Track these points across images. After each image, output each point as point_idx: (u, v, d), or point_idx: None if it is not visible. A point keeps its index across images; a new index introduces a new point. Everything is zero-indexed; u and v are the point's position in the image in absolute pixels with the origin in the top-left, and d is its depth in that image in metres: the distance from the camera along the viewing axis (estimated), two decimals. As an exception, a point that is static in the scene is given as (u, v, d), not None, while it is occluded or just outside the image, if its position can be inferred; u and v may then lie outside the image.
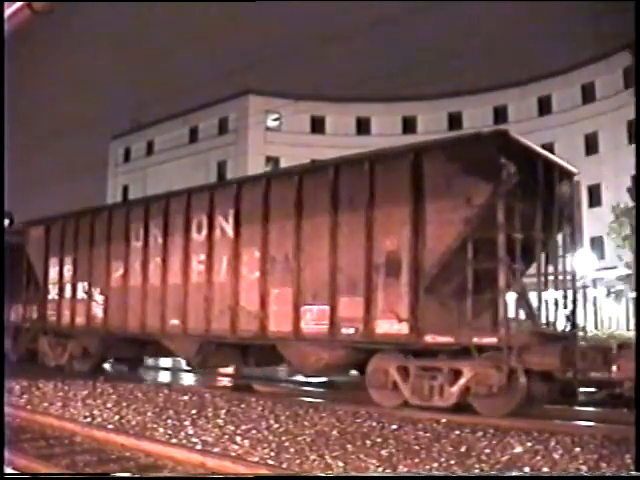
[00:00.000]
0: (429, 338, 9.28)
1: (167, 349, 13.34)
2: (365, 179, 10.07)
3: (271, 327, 10.96)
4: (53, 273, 15.88)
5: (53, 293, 15.81)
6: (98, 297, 14.54)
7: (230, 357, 12.75)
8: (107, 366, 16.39)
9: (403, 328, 9.42)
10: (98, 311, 14.46)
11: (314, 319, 10.34)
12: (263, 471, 5.58)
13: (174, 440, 7.26)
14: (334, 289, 10.14)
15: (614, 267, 31.19)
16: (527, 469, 6.02)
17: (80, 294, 15.05)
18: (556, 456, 6.52)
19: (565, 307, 10.00)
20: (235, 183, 12.48)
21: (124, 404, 10.02)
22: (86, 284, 14.87)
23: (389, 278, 9.65)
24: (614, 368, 9.15)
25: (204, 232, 12.29)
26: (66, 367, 15.41)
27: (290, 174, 11.38)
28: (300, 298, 10.53)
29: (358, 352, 10.30)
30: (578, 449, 6.80)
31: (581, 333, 10.41)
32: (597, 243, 34.67)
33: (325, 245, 10.35)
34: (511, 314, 9.28)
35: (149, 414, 9.10)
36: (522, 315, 9.79)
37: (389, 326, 9.57)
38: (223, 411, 9.37)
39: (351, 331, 9.89)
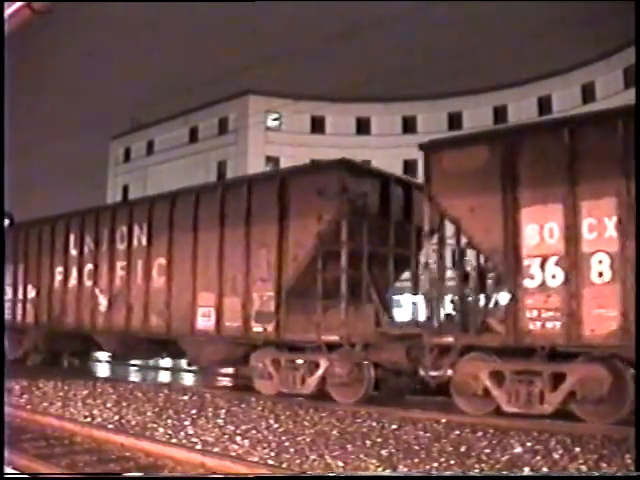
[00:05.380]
0: None
1: None
2: None
3: None
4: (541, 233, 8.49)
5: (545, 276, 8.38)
6: None
7: None
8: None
9: None
10: None
11: None
12: (263, 471, 5.58)
13: (174, 440, 7.26)
14: None
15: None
16: (527, 469, 6.02)
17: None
18: (556, 456, 6.53)
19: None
20: None
21: (124, 404, 10.02)
22: None
23: None
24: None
25: None
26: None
27: None
28: None
29: None
30: (578, 449, 6.80)
31: None
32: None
33: None
34: None
35: (149, 414, 9.11)
36: None
37: None
38: (223, 411, 9.37)
39: None
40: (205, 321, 11.83)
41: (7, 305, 17.09)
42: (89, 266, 14.68)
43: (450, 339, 9.14)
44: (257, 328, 11.02)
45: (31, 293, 16.56)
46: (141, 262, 13.29)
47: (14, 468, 5.69)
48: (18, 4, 6.48)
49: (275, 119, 45.88)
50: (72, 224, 15.43)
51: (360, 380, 10.09)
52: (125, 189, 51.58)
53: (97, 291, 14.28)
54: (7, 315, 16.97)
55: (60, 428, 7.95)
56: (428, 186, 9.63)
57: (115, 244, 13.98)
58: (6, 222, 19.52)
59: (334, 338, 10.25)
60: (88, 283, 14.63)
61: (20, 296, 16.97)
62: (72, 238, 15.30)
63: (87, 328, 14.49)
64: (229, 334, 11.50)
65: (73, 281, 15.09)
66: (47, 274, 15.94)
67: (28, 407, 9.69)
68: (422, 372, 9.65)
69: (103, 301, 14.11)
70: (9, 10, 6.50)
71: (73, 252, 15.22)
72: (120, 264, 13.81)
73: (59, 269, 15.57)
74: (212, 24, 48.49)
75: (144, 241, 13.31)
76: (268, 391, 10.98)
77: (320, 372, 10.43)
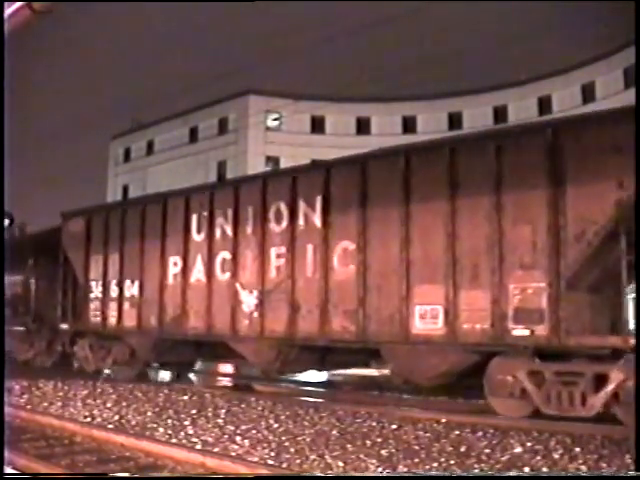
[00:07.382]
0: None
1: None
2: None
3: None
4: None
5: None
6: None
7: None
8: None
9: None
10: None
11: None
12: (263, 471, 5.58)
13: (174, 440, 7.26)
14: None
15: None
16: (527, 469, 6.02)
17: None
18: (556, 456, 6.53)
19: None
20: None
21: (124, 404, 10.02)
22: None
23: None
24: None
25: None
26: None
27: None
28: None
29: None
30: (578, 449, 6.80)
31: None
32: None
33: None
34: None
35: (149, 414, 9.11)
36: None
37: None
38: (223, 411, 9.37)
39: None
40: (427, 323, 9.09)
41: (94, 306, 13.95)
42: (224, 254, 11.63)
43: None
44: (519, 331, 8.34)
45: (131, 290, 13.25)
46: (312, 247, 10.37)
47: (14, 468, 5.70)
48: (18, 4, 6.49)
49: (275, 119, 45.88)
50: (193, 201, 12.30)
51: None
52: (125, 189, 51.62)
53: (238, 286, 11.31)
54: (96, 318, 13.90)
55: (60, 428, 7.95)
56: None
57: (267, 225, 11.00)
58: (6, 222, 19.54)
59: None
60: (223, 276, 11.59)
61: (113, 294, 13.57)
62: (194, 219, 12.22)
63: (224, 334, 11.50)
64: (469, 340, 8.75)
65: (198, 273, 12.03)
66: (155, 265, 12.76)
67: (28, 407, 9.69)
68: None
69: (248, 299, 11.15)
70: (9, 10, 6.51)
71: (197, 237, 12.14)
72: (276, 251, 10.85)
73: (174, 259, 12.46)
74: (212, 24, 48.57)
75: (317, 220, 10.38)
76: (515, 412, 8.47)
77: (611, 387, 7.85)
